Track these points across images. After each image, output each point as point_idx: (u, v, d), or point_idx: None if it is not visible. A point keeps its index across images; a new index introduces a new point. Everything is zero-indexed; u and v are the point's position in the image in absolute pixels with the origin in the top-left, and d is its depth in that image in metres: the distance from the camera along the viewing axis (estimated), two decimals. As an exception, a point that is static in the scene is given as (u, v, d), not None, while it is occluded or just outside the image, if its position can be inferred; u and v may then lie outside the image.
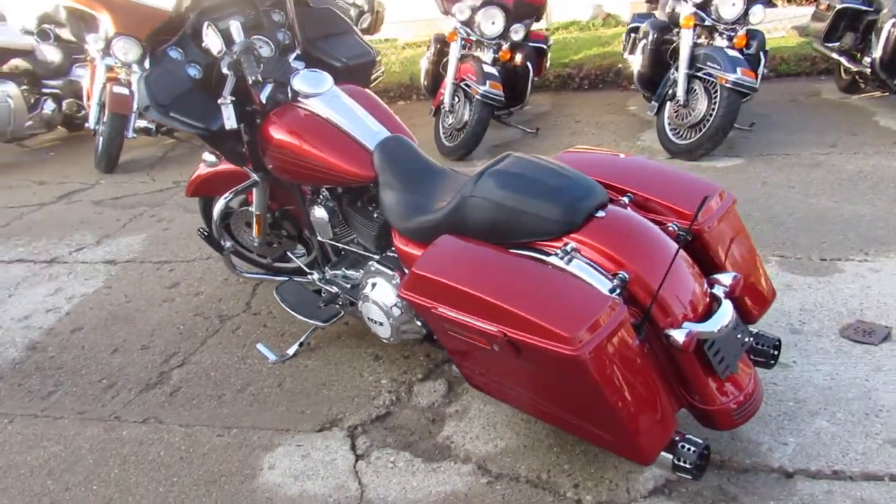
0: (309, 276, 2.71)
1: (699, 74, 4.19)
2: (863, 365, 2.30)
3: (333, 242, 2.59)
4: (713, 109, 4.11)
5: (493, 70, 4.60)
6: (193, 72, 2.42)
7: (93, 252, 3.85)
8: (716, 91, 4.10)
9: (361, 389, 2.42)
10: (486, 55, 4.81)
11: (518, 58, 4.95)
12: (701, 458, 1.69)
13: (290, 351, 2.65)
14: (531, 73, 4.98)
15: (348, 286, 2.51)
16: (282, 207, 2.90)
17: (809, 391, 2.21)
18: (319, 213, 2.52)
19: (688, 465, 1.69)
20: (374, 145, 2.29)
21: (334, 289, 2.55)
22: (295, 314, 2.56)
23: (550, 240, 1.84)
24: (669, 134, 4.40)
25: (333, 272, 2.59)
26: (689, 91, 4.26)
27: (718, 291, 1.79)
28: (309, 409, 2.35)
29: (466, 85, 4.64)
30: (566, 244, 1.80)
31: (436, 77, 5.23)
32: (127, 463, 2.18)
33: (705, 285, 1.81)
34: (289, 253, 2.91)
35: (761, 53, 4.43)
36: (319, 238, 2.60)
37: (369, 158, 2.27)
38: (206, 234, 2.68)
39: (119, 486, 2.08)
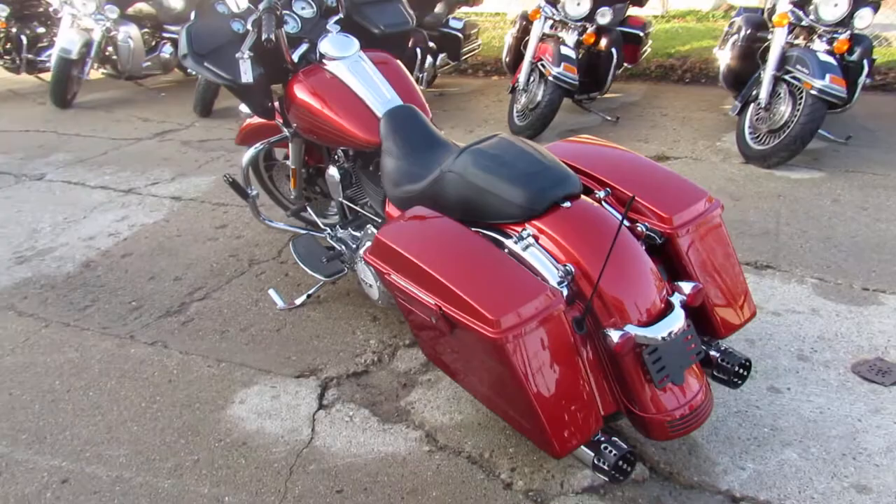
0: (322, 233, 2.83)
1: (786, 77, 3.93)
2: (861, 404, 2.14)
3: (349, 203, 2.68)
4: (795, 116, 3.85)
5: (571, 52, 4.51)
6: (237, 27, 2.56)
7: (165, 187, 4.16)
8: (801, 97, 3.83)
9: (349, 346, 2.52)
10: (570, 37, 4.71)
11: (603, 42, 4.81)
12: (621, 463, 1.66)
13: (298, 301, 2.78)
14: (615, 60, 4.83)
15: (354, 246, 2.60)
16: (317, 165, 3.02)
17: (791, 420, 2.08)
18: (332, 172, 2.62)
19: (605, 467, 1.66)
20: (382, 112, 2.35)
21: (342, 247, 2.65)
22: (303, 266, 2.69)
23: (514, 224, 1.84)
24: (748, 137, 4.16)
25: (343, 231, 2.69)
26: (773, 94, 4.00)
27: (675, 299, 1.73)
28: (296, 356, 2.48)
29: (542, 65, 4.58)
30: (524, 230, 1.80)
31: (517, 54, 5.18)
32: (124, 377, 2.39)
33: (664, 291, 1.76)
34: (308, 208, 3.04)
35: (865, 62, 4.07)
36: (333, 197, 2.70)
37: (377, 125, 2.33)
38: (230, 179, 2.85)
39: (110, 396, 2.30)
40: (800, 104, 3.83)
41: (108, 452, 2.04)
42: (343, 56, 2.48)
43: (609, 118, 5.18)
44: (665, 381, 1.70)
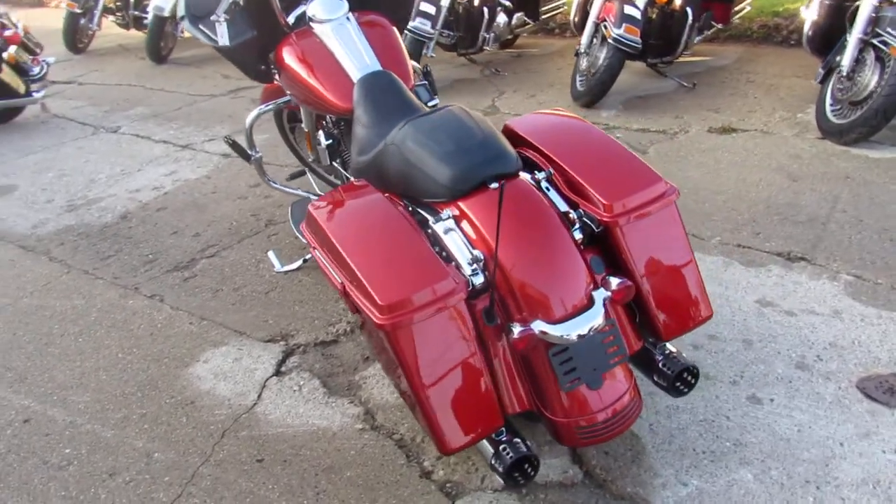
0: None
1: (874, 41, 3.44)
2: (851, 425, 1.88)
3: (341, 169, 2.65)
4: (880, 87, 3.38)
5: (635, 12, 4.18)
6: None
7: (218, 144, 4.31)
8: (889, 64, 3.35)
9: (327, 314, 2.52)
10: (642, -5, 4.37)
11: (677, 1, 4.42)
12: (517, 466, 1.55)
13: (293, 265, 2.81)
14: (689, 20, 4.43)
15: None
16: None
17: (760, 436, 1.87)
18: (319, 137, 2.59)
19: (499, 469, 1.56)
20: (357, 78, 2.28)
21: None
22: (295, 230, 2.70)
23: (443, 203, 1.74)
24: (828, 109, 3.71)
25: (335, 197, 2.66)
26: (858, 61, 3.53)
27: (598, 296, 1.57)
28: (273, 319, 2.51)
29: (605, 26, 4.28)
30: (444, 211, 1.70)
31: (585, 14, 4.87)
32: (114, 327, 2.53)
33: (590, 286, 1.60)
34: (309, 172, 3.03)
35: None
36: (322, 162, 2.68)
37: (351, 91, 2.27)
38: (231, 141, 2.89)
39: (95, 344, 2.44)
40: (887, 72, 3.35)
41: (72, 398, 2.17)
42: (329, 19, 2.41)
43: (686, 84, 4.79)
44: (573, 385, 1.56)
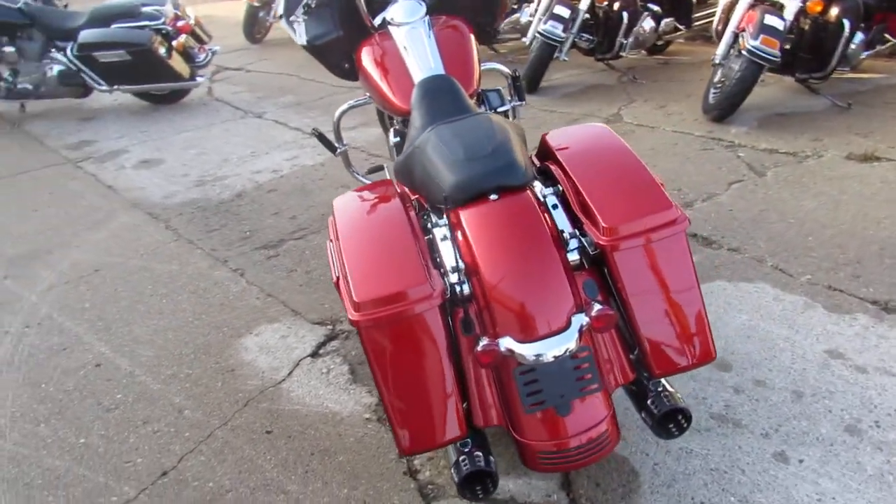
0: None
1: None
2: (838, 474, 1.65)
3: None
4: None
5: (777, 23, 3.85)
6: None
7: (345, 134, 4.55)
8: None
9: (378, 305, 2.61)
10: (791, 3, 4.02)
11: (833, 11, 4.01)
12: (474, 479, 1.54)
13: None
14: (845, 33, 4.00)
15: None
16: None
17: (772, 498, 1.70)
18: (390, 136, 2.68)
19: (454, 478, 1.56)
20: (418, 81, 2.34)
21: None
22: None
23: (447, 209, 1.76)
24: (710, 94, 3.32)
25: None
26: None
27: (576, 320, 1.52)
28: (329, 304, 2.65)
29: (742, 36, 3.99)
30: (442, 218, 1.72)
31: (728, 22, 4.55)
32: (194, 293, 2.80)
33: (571, 309, 1.54)
34: (385, 167, 3.13)
35: None
36: (392, 159, 2.77)
37: (411, 92, 2.34)
38: (318, 133, 3.04)
39: (174, 306, 2.72)
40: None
41: (139, 351, 2.45)
42: (405, 22, 2.49)
43: (839, 103, 4.34)
44: (535, 408, 1.51)
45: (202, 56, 5.28)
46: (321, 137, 3.03)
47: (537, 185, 1.78)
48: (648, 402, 1.62)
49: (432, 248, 1.70)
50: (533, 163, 1.94)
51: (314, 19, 2.64)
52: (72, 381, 2.30)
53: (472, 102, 2.29)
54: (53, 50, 5.15)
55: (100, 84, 5.16)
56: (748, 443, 1.86)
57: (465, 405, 1.58)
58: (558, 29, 4.81)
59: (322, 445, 1.96)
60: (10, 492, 1.87)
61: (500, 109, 2.59)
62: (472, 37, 2.57)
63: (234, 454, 1.95)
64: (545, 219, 1.64)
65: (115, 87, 5.20)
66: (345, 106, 2.99)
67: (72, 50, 5.07)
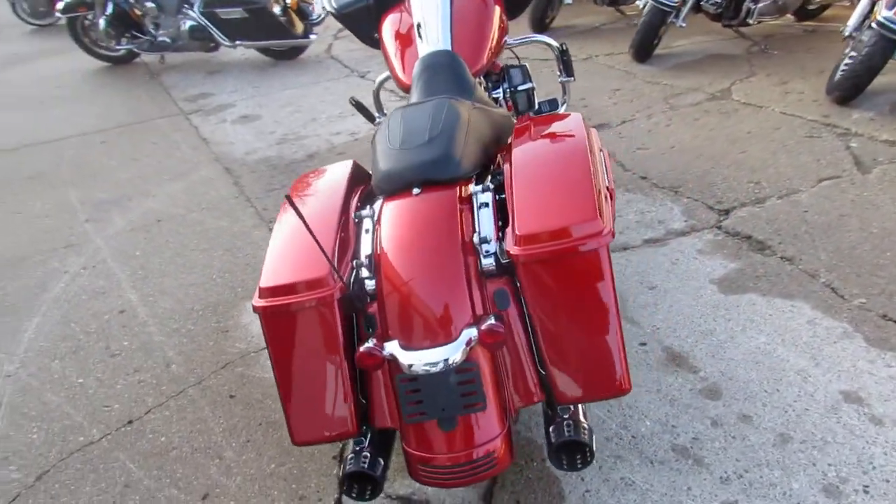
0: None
1: None
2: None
3: None
4: None
5: (918, -9, 3.24)
6: None
7: (392, 105, 4.53)
8: None
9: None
10: (946, -34, 3.36)
11: None
12: (354, 478, 1.51)
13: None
14: None
15: None
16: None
17: (697, 553, 1.52)
18: None
19: (341, 472, 1.54)
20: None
21: None
22: None
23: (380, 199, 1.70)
24: None
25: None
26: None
27: (465, 334, 1.41)
28: (342, 275, 2.68)
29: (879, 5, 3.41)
30: (365, 209, 1.66)
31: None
32: (228, 251, 2.94)
33: (465, 320, 1.44)
34: None
35: None
36: None
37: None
38: (355, 101, 3.01)
39: (207, 262, 2.88)
40: None
41: (160, 303, 2.63)
42: (423, -8, 2.39)
43: None
44: (415, 418, 1.44)
45: (316, 14, 5.43)
46: (359, 106, 3.01)
47: (477, 183, 1.66)
48: (550, 427, 1.49)
49: (358, 239, 1.65)
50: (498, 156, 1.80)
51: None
52: (95, 324, 2.52)
53: (472, 81, 2.17)
54: (186, 6, 5.53)
55: (223, 39, 5.49)
56: (700, 485, 1.66)
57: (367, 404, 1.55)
58: (671, -7, 4.39)
59: (271, 418, 2.01)
60: (7, 417, 2.11)
61: (520, 87, 2.44)
62: (497, 10, 2.42)
63: (194, 414, 2.05)
64: (462, 220, 1.53)
65: (237, 42, 5.51)
66: (385, 74, 2.95)
67: (198, 6, 5.42)
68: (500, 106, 2.48)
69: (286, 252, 1.59)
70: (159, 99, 5.19)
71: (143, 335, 2.43)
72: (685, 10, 4.59)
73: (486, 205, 1.59)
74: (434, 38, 2.27)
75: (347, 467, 1.50)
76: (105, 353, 2.35)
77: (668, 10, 4.47)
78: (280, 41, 5.50)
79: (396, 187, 1.61)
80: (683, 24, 4.66)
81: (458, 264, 1.46)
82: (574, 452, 1.46)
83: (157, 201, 3.47)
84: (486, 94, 2.45)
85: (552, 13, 5.79)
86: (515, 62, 3.00)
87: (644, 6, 4.68)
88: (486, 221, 1.56)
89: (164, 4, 5.66)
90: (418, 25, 2.32)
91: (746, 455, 1.72)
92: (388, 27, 2.45)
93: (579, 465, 1.47)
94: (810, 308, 2.19)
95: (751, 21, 4.66)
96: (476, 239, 1.49)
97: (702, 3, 4.70)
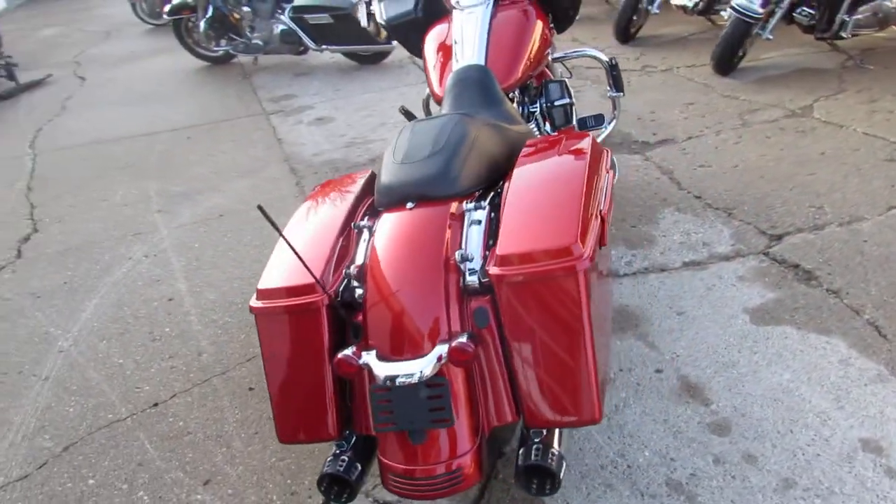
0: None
1: None
2: None
3: None
4: None
5: None
6: None
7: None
8: None
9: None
10: None
11: None
12: (330, 479, 1.55)
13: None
14: None
15: None
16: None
17: None
18: None
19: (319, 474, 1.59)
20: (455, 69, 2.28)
21: None
22: None
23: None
24: None
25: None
26: None
27: (437, 350, 1.43)
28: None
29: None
30: (364, 220, 1.71)
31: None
32: (278, 249, 3.07)
33: (441, 336, 1.46)
34: None
35: None
36: None
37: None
38: (404, 110, 3.05)
39: (256, 258, 3.01)
40: None
41: (206, 294, 2.78)
42: (468, 5, 2.42)
43: None
44: (384, 428, 1.47)
45: (398, 21, 5.54)
46: (408, 115, 3.08)
47: (477, 200, 1.67)
48: (521, 449, 1.49)
49: (356, 248, 1.70)
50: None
51: (393, 1, 2.67)
52: (145, 309, 2.71)
53: (501, 96, 2.19)
54: (279, 11, 5.80)
55: (310, 43, 5.71)
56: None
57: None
58: (755, 3, 4.19)
59: (283, 412, 2.09)
60: (52, 390, 2.31)
61: (557, 103, 2.42)
62: (539, 24, 2.41)
63: (214, 402, 2.17)
64: (450, 236, 1.55)
65: (323, 46, 5.72)
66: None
67: (288, 11, 5.67)
68: (535, 121, 2.47)
69: (287, 257, 1.65)
70: (247, 98, 5.46)
71: (184, 323, 2.59)
72: (773, 21, 4.38)
73: (479, 222, 1.59)
74: (470, 52, 2.29)
75: (324, 469, 1.55)
76: (147, 338, 2.52)
77: (752, 21, 4.27)
78: (364, 46, 5.66)
79: (392, 201, 1.65)
80: (770, 37, 4.44)
81: (438, 280, 1.48)
82: (542, 477, 1.45)
83: (223, 196, 3.67)
84: (520, 108, 2.44)
85: (638, 22, 5.65)
86: (564, 75, 2.98)
87: (729, 19, 4.49)
88: (473, 239, 1.57)
89: (259, 9, 5.95)
90: (456, 40, 2.35)
91: (743, 497, 1.65)
92: (431, 40, 2.50)
93: (547, 491, 1.46)
94: (846, 346, 2.06)
95: (844, 34, 4.38)
96: (458, 256, 1.50)
97: (794, 14, 4.47)
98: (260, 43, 6.05)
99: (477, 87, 2.18)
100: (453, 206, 1.61)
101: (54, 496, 1.89)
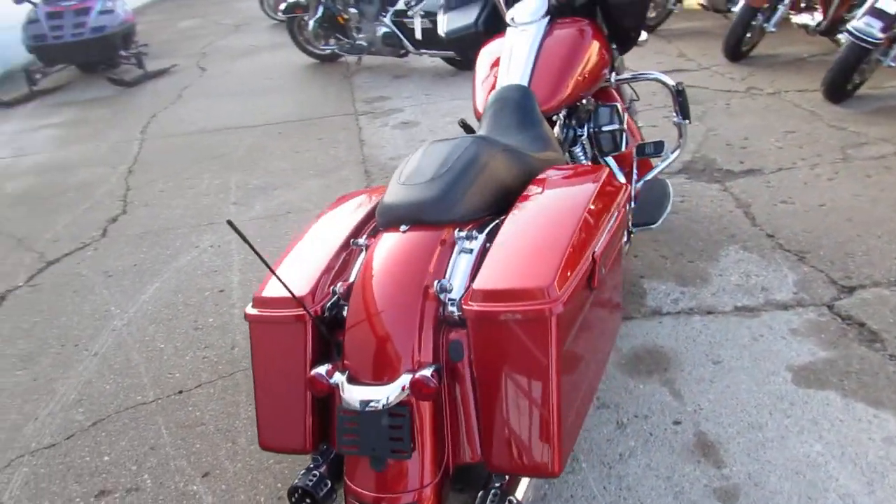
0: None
1: None
2: None
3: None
4: None
5: None
6: None
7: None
8: None
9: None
10: None
11: None
12: (300, 492, 1.56)
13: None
14: None
15: None
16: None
17: None
18: None
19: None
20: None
21: None
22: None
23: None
24: None
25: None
26: None
27: (403, 379, 1.40)
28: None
29: None
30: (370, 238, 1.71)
31: None
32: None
33: (411, 365, 1.43)
34: None
35: None
36: None
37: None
38: (463, 123, 3.00)
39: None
40: None
41: (254, 289, 2.88)
42: (522, 23, 2.37)
43: None
44: (346, 451, 1.46)
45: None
46: (466, 128, 3.05)
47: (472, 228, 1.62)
48: (481, 492, 1.43)
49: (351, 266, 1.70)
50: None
51: (458, 13, 2.66)
52: (196, 298, 2.84)
53: (539, 118, 2.13)
54: (383, 14, 5.93)
55: (409, 47, 5.80)
56: None
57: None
58: (875, 28, 3.83)
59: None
60: (97, 366, 2.47)
61: (605, 128, 2.31)
62: (595, 45, 2.32)
63: (232, 397, 2.24)
64: (435, 264, 1.51)
65: (421, 50, 5.79)
66: (493, 98, 2.95)
67: (390, 15, 5.78)
68: (580, 145, 2.37)
69: (291, 268, 1.68)
70: (343, 98, 5.62)
71: (227, 315, 2.69)
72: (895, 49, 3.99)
73: (470, 251, 1.55)
74: (515, 71, 2.24)
75: (294, 481, 1.56)
76: (191, 326, 2.65)
77: (870, 47, 3.91)
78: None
79: (388, 221, 1.63)
80: (893, 64, 4.06)
81: (415, 308, 1.45)
82: None
83: (295, 194, 3.79)
84: (564, 130, 2.36)
85: (752, 40, 5.32)
86: (632, 96, 2.86)
87: (845, 44, 4.14)
88: (460, 268, 1.53)
89: (365, 11, 6.11)
90: (505, 57, 2.30)
91: (733, 575, 1.51)
92: (483, 55, 2.46)
93: None
94: (896, 423, 1.84)
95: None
96: (437, 286, 1.47)
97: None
98: (364, 44, 6.22)
99: (514, 108, 2.13)
100: (445, 233, 1.57)
101: (72, 468, 2.02)
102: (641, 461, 1.83)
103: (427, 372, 1.36)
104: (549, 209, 1.58)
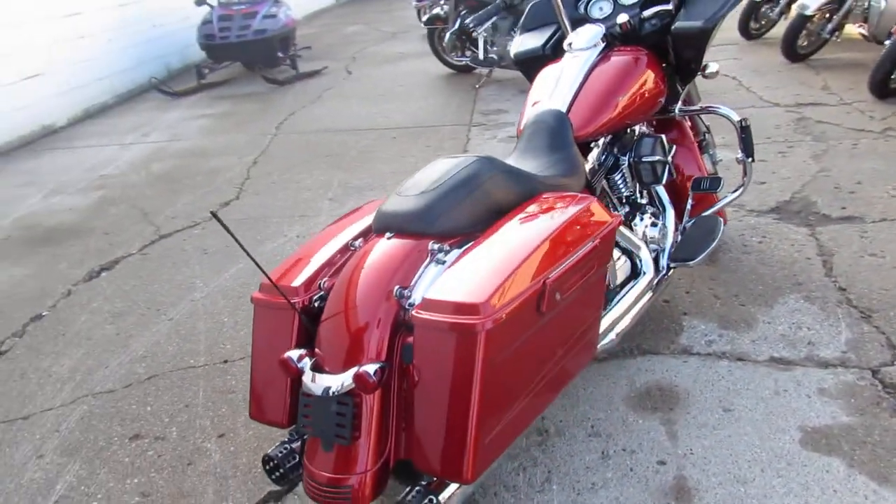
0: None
1: None
2: None
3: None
4: None
5: None
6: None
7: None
8: None
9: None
10: None
11: None
12: (271, 461, 1.72)
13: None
14: None
15: None
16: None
17: None
18: None
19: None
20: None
21: None
22: None
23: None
24: None
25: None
26: None
27: (350, 372, 1.52)
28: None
29: None
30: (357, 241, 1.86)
31: None
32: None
33: (361, 360, 1.56)
34: None
35: None
36: None
37: (531, 121, 2.32)
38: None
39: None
40: None
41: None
42: (576, 48, 2.41)
43: None
44: (303, 430, 1.62)
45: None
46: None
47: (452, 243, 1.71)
48: (407, 488, 1.53)
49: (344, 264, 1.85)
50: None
51: (532, 35, 2.74)
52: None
53: (569, 143, 2.17)
54: (515, 29, 6.07)
55: (534, 63, 5.89)
56: None
57: None
58: None
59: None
60: (168, 330, 2.81)
61: (645, 159, 2.30)
62: (648, 74, 2.33)
63: (242, 379, 2.47)
64: (402, 271, 1.63)
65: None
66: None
67: (519, 31, 5.90)
68: (621, 173, 2.36)
69: (299, 259, 1.88)
70: (464, 108, 5.81)
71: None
72: None
73: (443, 263, 1.65)
74: (559, 96, 2.29)
75: (269, 450, 1.74)
76: (228, 322, 2.92)
77: None
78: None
79: (378, 228, 1.77)
80: None
81: (375, 309, 1.58)
82: None
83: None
84: (603, 157, 2.36)
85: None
86: (693, 126, 2.79)
87: None
88: (426, 278, 1.63)
89: (499, 26, 6.28)
90: (554, 81, 2.36)
91: None
92: (539, 77, 2.52)
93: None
94: (896, 504, 1.70)
95: None
96: (396, 291, 1.58)
97: None
98: (494, 57, 6.39)
99: (547, 132, 2.19)
100: (422, 244, 1.68)
101: (119, 412, 2.34)
102: (612, 494, 1.83)
103: (370, 368, 1.48)
104: (515, 231, 1.64)
